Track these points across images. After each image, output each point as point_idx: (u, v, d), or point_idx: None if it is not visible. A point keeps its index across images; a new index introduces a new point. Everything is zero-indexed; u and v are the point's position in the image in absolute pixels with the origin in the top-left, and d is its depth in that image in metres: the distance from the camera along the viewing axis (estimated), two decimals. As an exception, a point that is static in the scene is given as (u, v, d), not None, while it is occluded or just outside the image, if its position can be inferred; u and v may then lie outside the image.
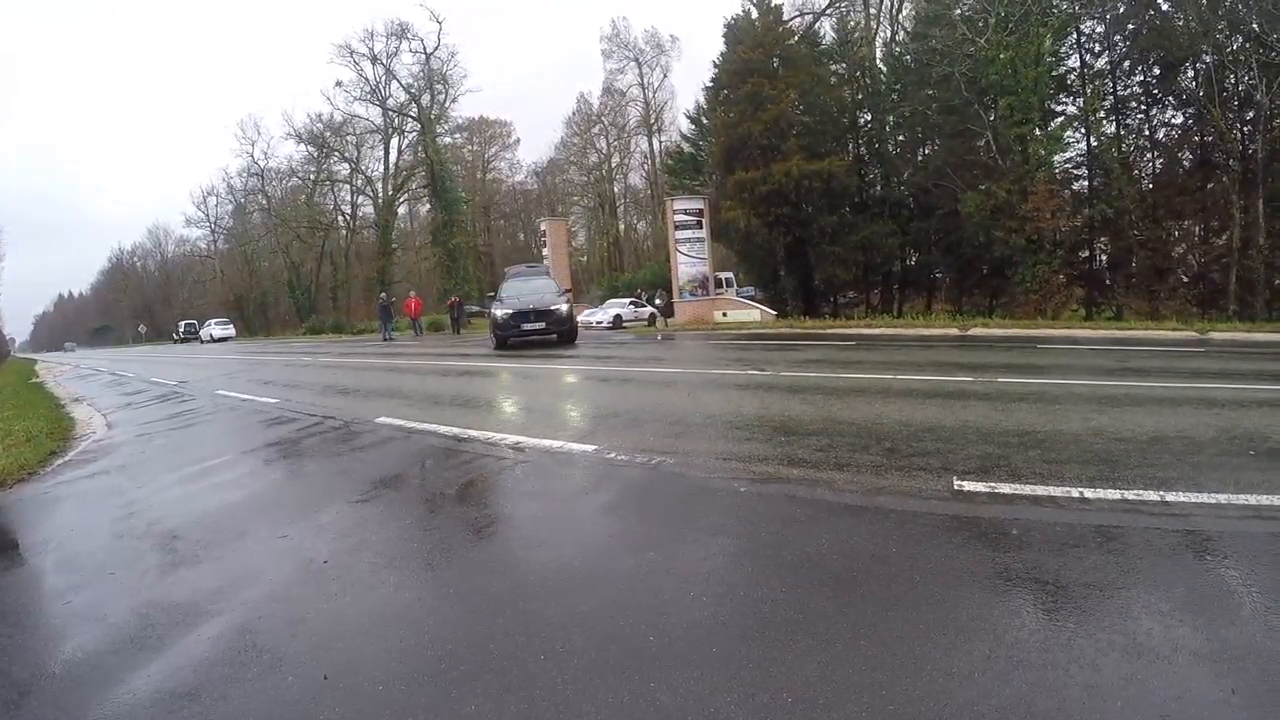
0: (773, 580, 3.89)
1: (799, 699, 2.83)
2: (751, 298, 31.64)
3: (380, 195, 57.73)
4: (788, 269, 31.47)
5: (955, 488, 5.25)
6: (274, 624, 3.78)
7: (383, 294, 37.10)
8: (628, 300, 32.20)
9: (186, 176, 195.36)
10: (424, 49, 50.13)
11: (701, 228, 29.46)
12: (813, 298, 32.25)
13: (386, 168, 57.24)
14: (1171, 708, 2.78)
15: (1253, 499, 4.99)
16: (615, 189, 64.42)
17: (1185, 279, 27.85)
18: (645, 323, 30.44)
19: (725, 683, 2.96)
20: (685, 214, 29.36)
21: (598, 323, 29.59)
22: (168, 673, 3.34)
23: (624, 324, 29.41)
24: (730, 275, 35.68)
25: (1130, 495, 5.05)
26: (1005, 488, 5.22)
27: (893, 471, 5.72)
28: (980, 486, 5.26)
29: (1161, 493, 5.08)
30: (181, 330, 62.79)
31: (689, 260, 29.24)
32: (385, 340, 29.87)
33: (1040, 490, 5.15)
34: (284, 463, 7.78)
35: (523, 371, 14.63)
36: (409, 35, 50.51)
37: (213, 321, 57.89)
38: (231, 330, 56.85)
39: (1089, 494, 5.08)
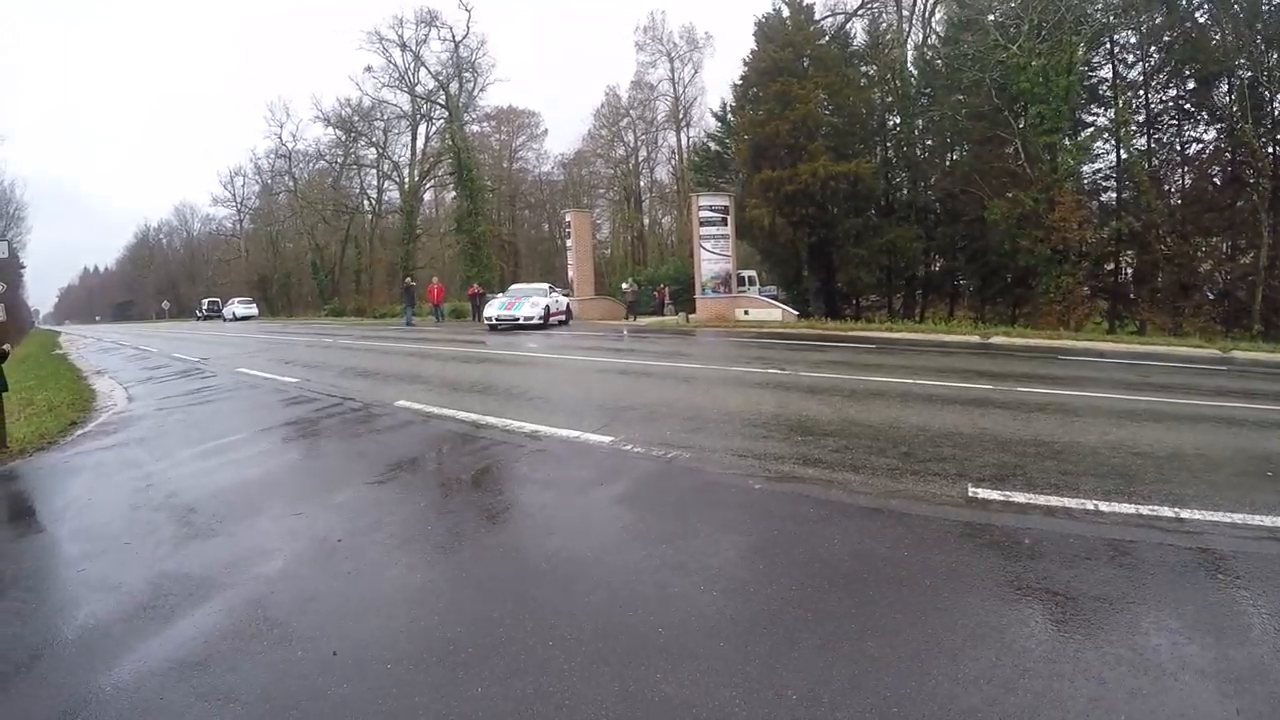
0: (783, 578, 3.90)
1: (803, 696, 2.84)
2: (774, 297, 31.21)
3: (406, 181, 57.41)
4: (810, 270, 31.28)
5: (970, 494, 5.25)
6: (285, 599, 3.82)
7: (407, 279, 37.19)
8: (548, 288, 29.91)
9: (217, 157, 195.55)
10: (453, 37, 49.93)
11: (726, 225, 29.15)
12: (835, 299, 32.00)
13: (413, 154, 56.92)
14: None
15: (1269, 520, 4.97)
16: (641, 183, 63.60)
17: (1210, 296, 27.57)
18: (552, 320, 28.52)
19: (730, 677, 2.97)
20: (710, 210, 29.09)
21: (525, 318, 25.02)
22: (179, 642, 3.39)
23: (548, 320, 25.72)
24: (753, 274, 35.40)
25: (1145, 510, 5.04)
26: (1020, 497, 5.22)
27: (908, 475, 5.73)
28: (995, 494, 5.26)
29: (1176, 509, 5.08)
30: (205, 308, 62.98)
31: (712, 257, 29.03)
32: (407, 325, 29.87)
33: (1055, 501, 5.14)
34: (302, 442, 7.84)
35: (543, 361, 14.69)
36: (438, 23, 50.35)
37: (236, 300, 57.72)
38: (254, 310, 56.67)
39: (1104, 507, 5.07)
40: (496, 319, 24.61)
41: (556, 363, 14.54)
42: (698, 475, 5.81)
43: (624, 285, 34.57)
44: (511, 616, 3.51)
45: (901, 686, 2.91)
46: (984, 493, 5.29)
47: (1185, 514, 5.01)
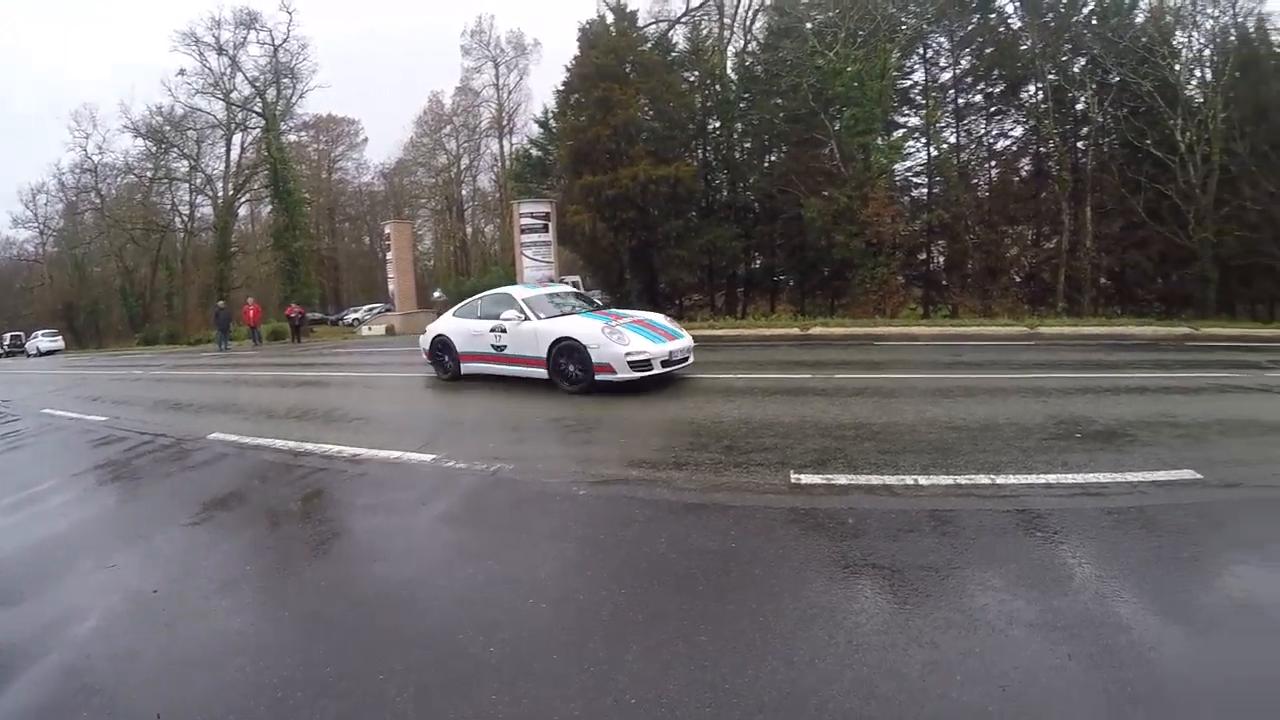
0: (611, 582, 3.92)
1: (642, 699, 2.86)
2: None
3: (220, 195, 54.54)
4: (633, 272, 31.30)
5: (793, 481, 5.40)
6: (104, 662, 3.59)
7: (220, 302, 35.21)
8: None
9: (20, 172, 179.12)
10: (272, 40, 47.80)
11: (548, 231, 29.19)
12: (658, 300, 31.74)
13: (228, 165, 53.68)
14: (1011, 677, 2.97)
15: (1080, 478, 5.39)
16: (464, 192, 62.66)
17: (1017, 279, 29.62)
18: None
19: (567, 689, 2.97)
20: (531, 218, 29.05)
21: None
22: (-13, 730, 3.11)
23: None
24: (577, 279, 35.27)
25: (963, 480, 5.32)
26: (842, 479, 5.40)
27: (731, 468, 5.84)
28: (817, 479, 5.42)
29: (993, 476, 5.39)
30: (6, 343, 58.10)
31: (535, 264, 28.95)
32: (222, 351, 28.28)
33: (876, 480, 5.35)
34: (113, 486, 7.34)
35: (360, 381, 14.36)
36: (258, 25, 47.86)
37: (40, 333, 53.38)
38: (60, 342, 52.63)
39: (923, 481, 5.31)
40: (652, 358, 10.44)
41: (375, 382, 14.29)
42: (522, 487, 5.80)
43: (435, 294, 33.84)
44: (341, 653, 3.41)
45: (739, 676, 2.97)
46: (807, 478, 5.44)
47: (1001, 480, 5.33)
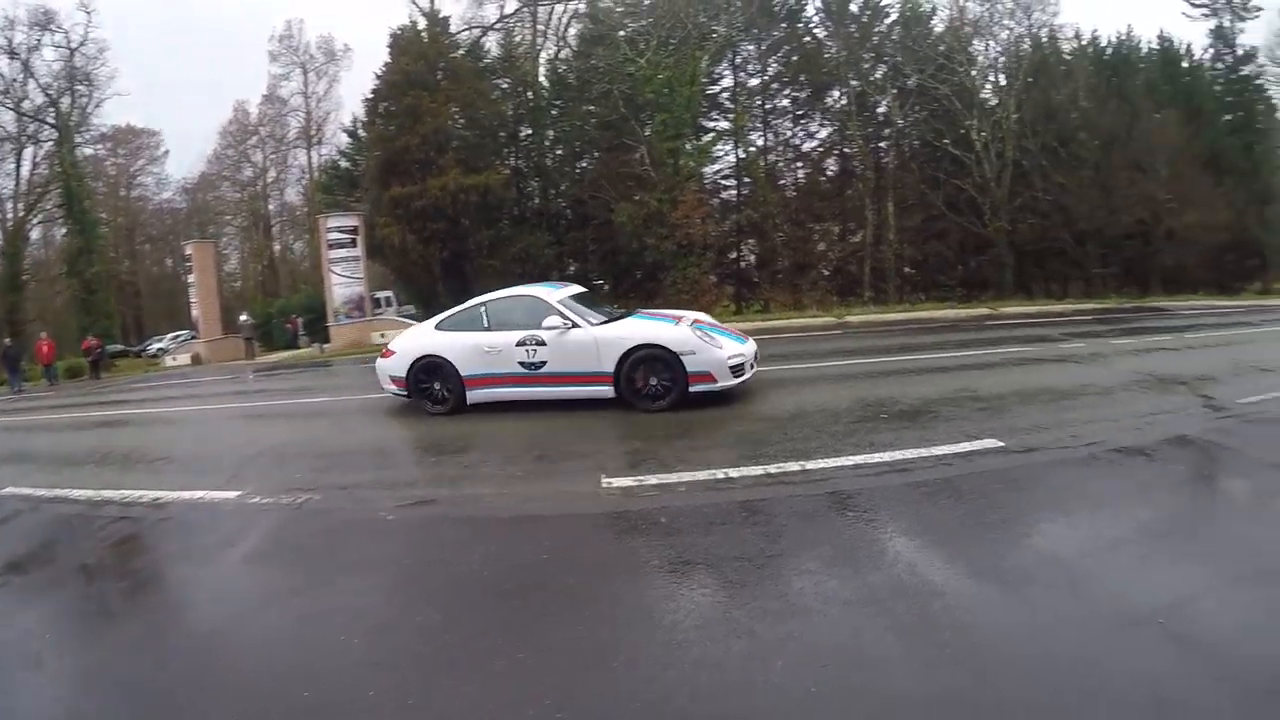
0: (427, 608, 3.84)
1: (464, 727, 2.75)
2: (412, 316, 30.09)
3: (9, 217, 49.97)
4: (445, 285, 30.43)
5: (604, 486, 5.41)
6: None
7: (6, 340, 31.90)
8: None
9: None
10: (68, 43, 42.76)
11: (356, 246, 27.94)
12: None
13: (17, 184, 49.11)
14: (833, 656, 3.06)
15: (887, 456, 5.64)
16: (271, 207, 59.26)
17: (826, 273, 31.08)
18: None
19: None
20: (339, 232, 27.75)
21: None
22: None
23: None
24: (389, 294, 34.04)
25: (774, 469, 5.46)
26: (653, 479, 5.45)
27: (543, 478, 5.86)
28: (629, 481, 5.46)
29: (803, 463, 5.56)
30: None
31: (344, 281, 27.63)
32: (16, 393, 25.56)
33: (687, 476, 5.42)
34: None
35: (163, 418, 13.39)
36: (54, 26, 42.50)
37: None
38: None
39: (734, 474, 5.41)
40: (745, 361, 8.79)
41: (178, 418, 13.25)
42: (330, 517, 5.55)
43: (242, 318, 31.82)
44: (149, 716, 3.24)
45: (561, 690, 2.94)
46: (618, 482, 5.46)
47: (811, 465, 5.52)
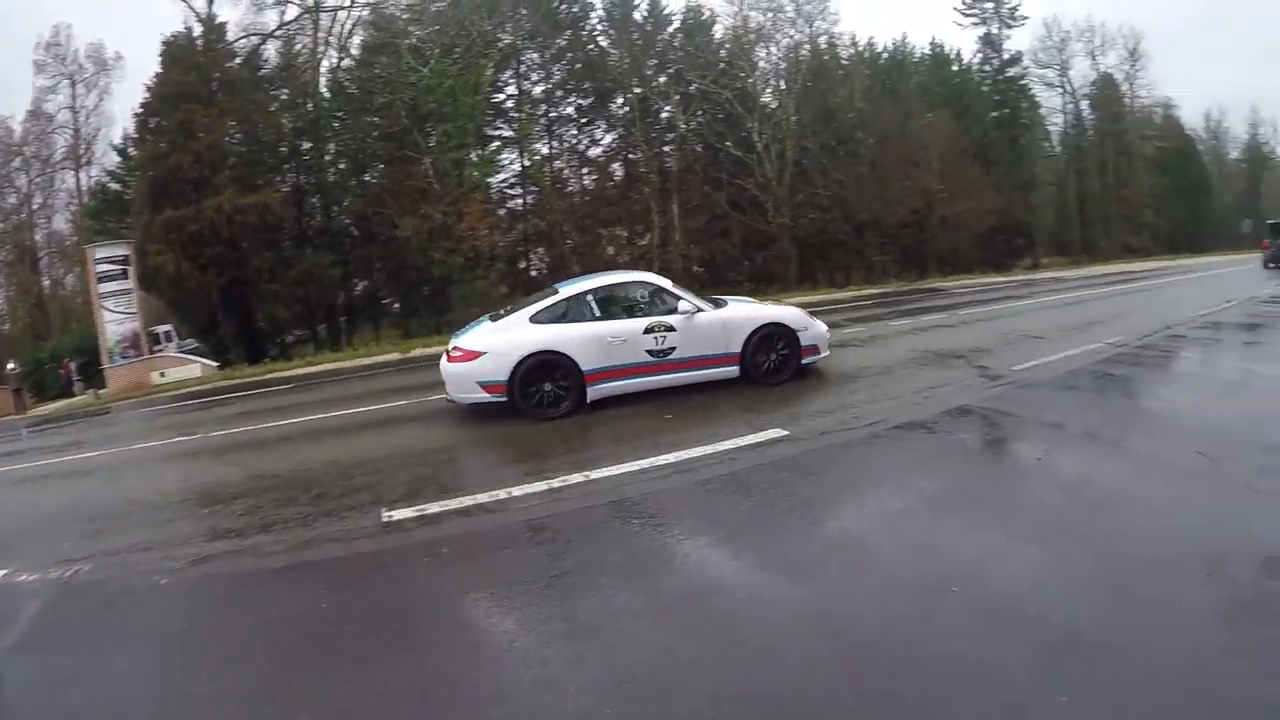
0: (203, 677, 3.49)
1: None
2: (194, 351, 27.96)
3: None
4: (226, 314, 28.44)
5: (385, 520, 5.11)
6: None
7: None
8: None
9: None
10: None
11: (128, 277, 25.50)
12: (257, 341, 30.02)
13: None
14: (630, 670, 2.96)
15: (671, 457, 5.61)
16: (38, 237, 52.00)
17: None
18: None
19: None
20: (109, 263, 25.04)
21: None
22: None
23: None
24: (169, 329, 31.33)
25: (557, 483, 5.33)
26: (435, 507, 5.20)
27: (322, 519, 5.41)
28: (410, 512, 5.18)
29: (587, 473, 5.45)
30: None
31: (117, 317, 25.25)
32: None
33: (469, 500, 5.23)
34: None
35: None
36: None
37: None
38: None
39: (517, 492, 5.24)
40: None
41: None
42: (101, 589, 4.96)
43: (9, 367, 29.00)
44: None
45: None
46: (399, 513, 5.18)
47: (595, 474, 5.41)
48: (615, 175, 33.37)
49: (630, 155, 32.23)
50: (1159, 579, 3.84)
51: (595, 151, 33.49)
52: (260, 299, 28.43)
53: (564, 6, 32.69)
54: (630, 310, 8.38)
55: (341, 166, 32.83)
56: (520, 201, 32.33)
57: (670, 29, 33.60)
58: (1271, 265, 29.94)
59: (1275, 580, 3.90)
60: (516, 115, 31.79)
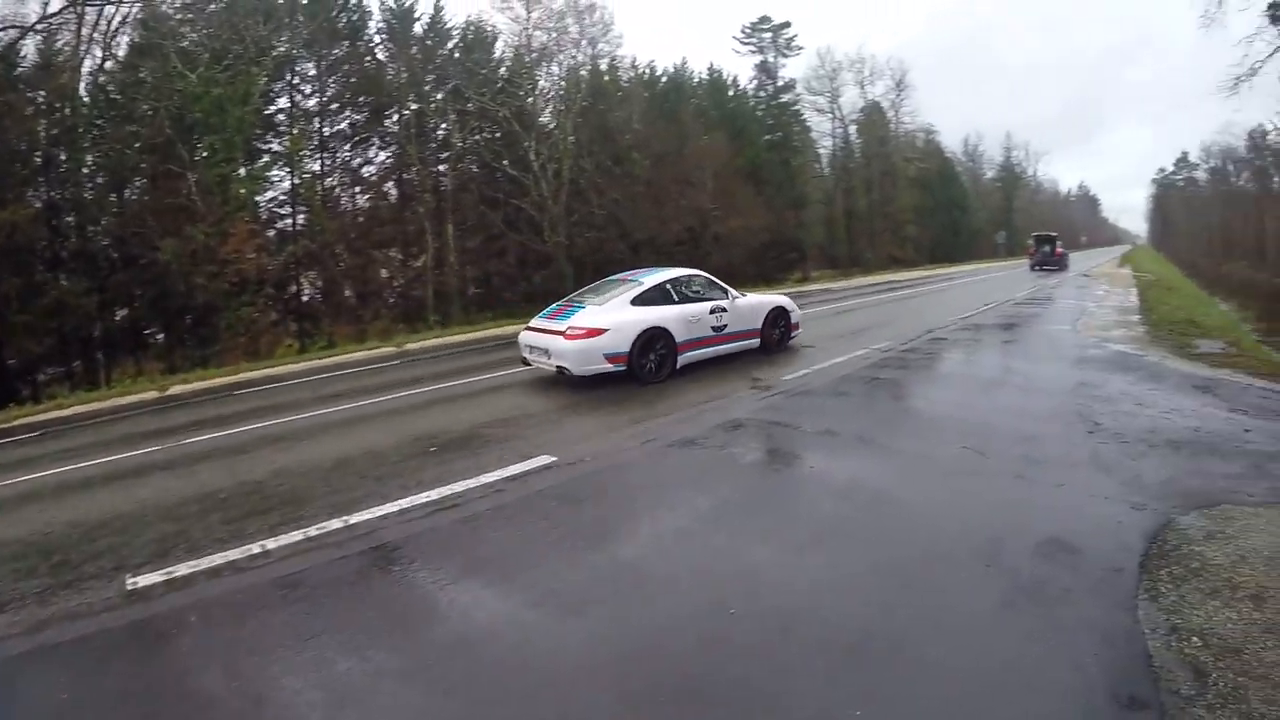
0: None
1: None
2: None
3: None
4: None
5: (129, 587, 4.69)
6: None
7: None
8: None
9: None
10: None
11: None
12: (8, 380, 25.96)
13: None
14: None
15: (434, 494, 5.54)
16: None
17: (391, 300, 31.01)
18: None
19: None
20: None
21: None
22: None
23: None
24: None
25: (314, 531, 5.11)
26: (183, 568, 4.85)
27: (61, 591, 4.83)
28: (156, 577, 4.78)
29: (345, 518, 5.26)
30: None
31: None
32: None
33: (219, 559, 4.88)
34: None
35: None
36: None
37: None
38: None
39: (271, 545, 4.98)
40: None
41: None
42: None
43: None
44: None
45: None
46: (145, 579, 4.77)
47: (354, 519, 5.23)
48: (389, 194, 32.68)
49: (405, 174, 31.72)
50: (942, 575, 4.05)
51: (369, 170, 32.66)
52: (8, 333, 25.34)
53: (343, 15, 31.77)
54: (695, 296, 10.88)
55: (100, 181, 29.90)
56: (290, 222, 30.26)
57: (450, 44, 33.48)
58: (1036, 268, 40.03)
59: (1050, 564, 4.14)
60: (287, 129, 30.28)
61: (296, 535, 5.06)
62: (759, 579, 3.96)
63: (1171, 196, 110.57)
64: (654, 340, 9.94)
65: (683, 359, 10.23)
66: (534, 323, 10.53)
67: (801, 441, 6.66)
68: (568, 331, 9.67)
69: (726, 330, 10.93)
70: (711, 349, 10.76)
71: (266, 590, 4.31)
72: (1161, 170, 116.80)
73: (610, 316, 9.87)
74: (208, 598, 4.34)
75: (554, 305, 11.02)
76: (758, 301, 11.79)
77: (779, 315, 11.79)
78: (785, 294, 15.68)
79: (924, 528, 4.65)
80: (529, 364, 10.47)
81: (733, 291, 11.29)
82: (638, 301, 10.32)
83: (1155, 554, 4.23)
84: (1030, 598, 3.74)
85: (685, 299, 10.73)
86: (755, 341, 11.39)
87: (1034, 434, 6.62)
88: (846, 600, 3.70)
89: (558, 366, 9.79)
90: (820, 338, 12.76)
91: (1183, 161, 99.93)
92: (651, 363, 9.87)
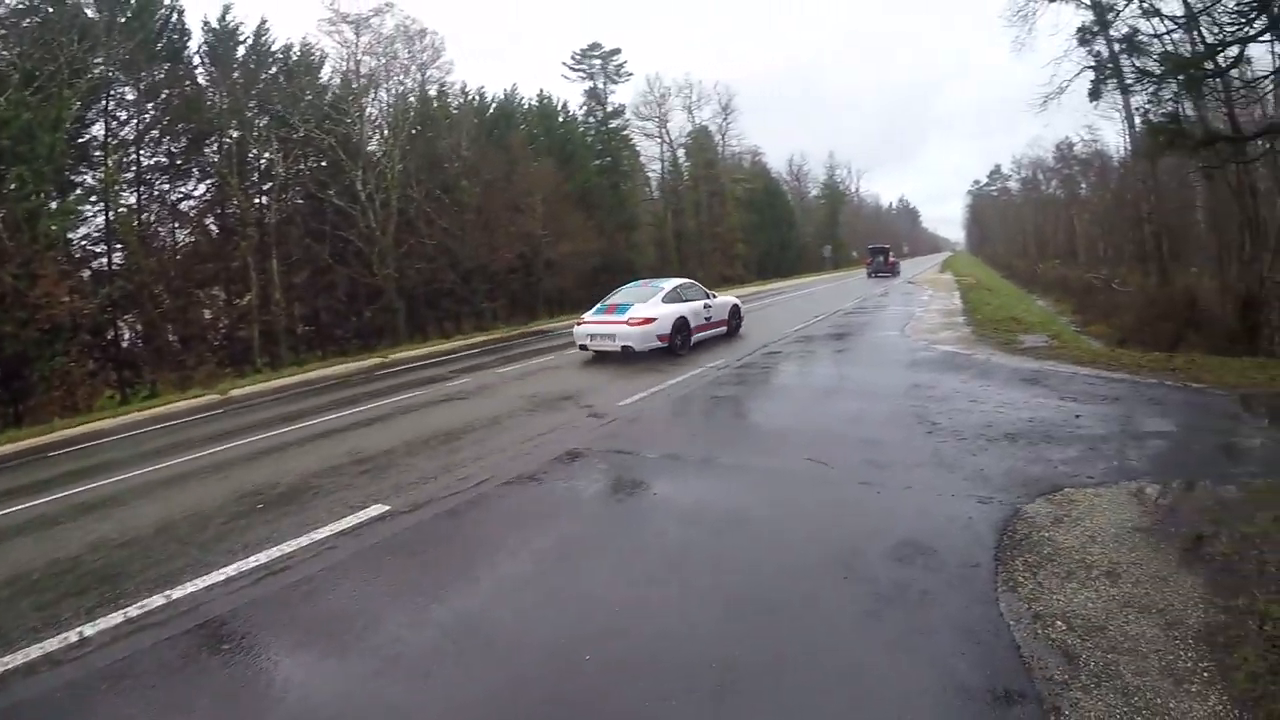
0: None
1: None
2: None
3: None
4: None
5: None
6: None
7: None
8: None
9: None
10: None
11: None
12: None
13: None
14: None
15: (263, 556, 5.22)
16: None
17: (216, 343, 29.03)
18: None
19: None
20: None
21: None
22: None
23: None
24: None
25: (135, 611, 4.67)
26: None
27: None
28: None
29: (168, 592, 4.87)
30: None
31: None
32: None
33: (35, 652, 4.31)
34: None
35: None
36: None
37: None
38: None
39: (89, 630, 4.49)
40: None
41: None
42: None
43: None
44: None
45: None
46: None
47: (177, 593, 4.83)
48: (211, 229, 30.73)
49: (226, 207, 30.21)
50: (800, 591, 4.03)
51: (188, 203, 30.65)
52: None
53: (163, 36, 29.84)
54: (693, 296, 15.56)
55: (-101, 219, 27.38)
56: (105, 261, 27.77)
57: (273, 69, 32.40)
58: (872, 275, 49.09)
59: (907, 567, 4.18)
60: (101, 160, 27.99)
61: (117, 617, 4.60)
62: (613, 619, 3.87)
63: (986, 205, 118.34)
64: (681, 327, 14.28)
65: (694, 339, 14.72)
66: (589, 317, 14.76)
67: (642, 468, 6.65)
68: (629, 320, 13.80)
69: (712, 320, 15.71)
70: (706, 333, 15.43)
71: (88, 688, 3.82)
72: (976, 182, 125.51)
73: (655, 310, 14.11)
74: (23, 700, 3.83)
75: (603, 304, 15.09)
76: (724, 301, 16.96)
77: (735, 311, 17.09)
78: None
79: (777, 545, 4.68)
80: (587, 349, 14.47)
81: (711, 293, 16.41)
82: (666, 299, 14.68)
83: (1008, 545, 4.45)
84: (892, 604, 3.80)
85: (688, 298, 15.26)
86: (723, 330, 16.29)
87: (875, 439, 6.92)
88: (706, 631, 3.66)
89: (623, 346, 13.72)
90: (655, 360, 13.23)
91: (995, 173, 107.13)
92: (679, 341, 14.07)
